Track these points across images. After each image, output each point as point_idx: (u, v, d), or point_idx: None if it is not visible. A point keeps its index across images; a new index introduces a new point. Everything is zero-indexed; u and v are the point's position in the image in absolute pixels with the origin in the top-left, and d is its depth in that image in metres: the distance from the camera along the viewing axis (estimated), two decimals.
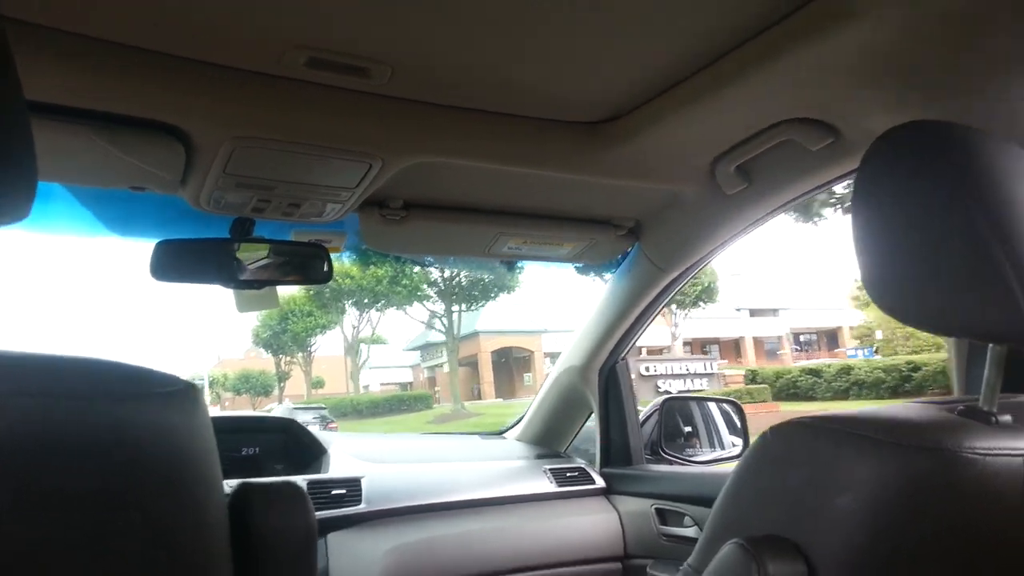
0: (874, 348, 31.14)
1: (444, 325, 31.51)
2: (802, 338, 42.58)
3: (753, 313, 41.74)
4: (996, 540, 0.73)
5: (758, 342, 41.07)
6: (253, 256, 1.59)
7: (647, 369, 25.55)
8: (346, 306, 34.99)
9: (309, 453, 1.93)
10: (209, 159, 1.29)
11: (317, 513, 1.66)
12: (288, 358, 41.08)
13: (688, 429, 2.38)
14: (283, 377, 42.32)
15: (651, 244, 1.90)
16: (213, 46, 1.11)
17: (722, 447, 2.33)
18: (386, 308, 34.28)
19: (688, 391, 21.40)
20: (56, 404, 0.58)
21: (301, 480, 1.71)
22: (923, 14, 1.03)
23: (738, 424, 2.31)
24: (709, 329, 38.66)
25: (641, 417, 2.22)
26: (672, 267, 1.90)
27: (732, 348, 40.95)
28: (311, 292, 32.76)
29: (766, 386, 24.14)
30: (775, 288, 41.69)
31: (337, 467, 1.86)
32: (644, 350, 35.60)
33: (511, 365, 39.42)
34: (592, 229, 1.87)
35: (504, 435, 2.47)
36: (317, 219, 1.58)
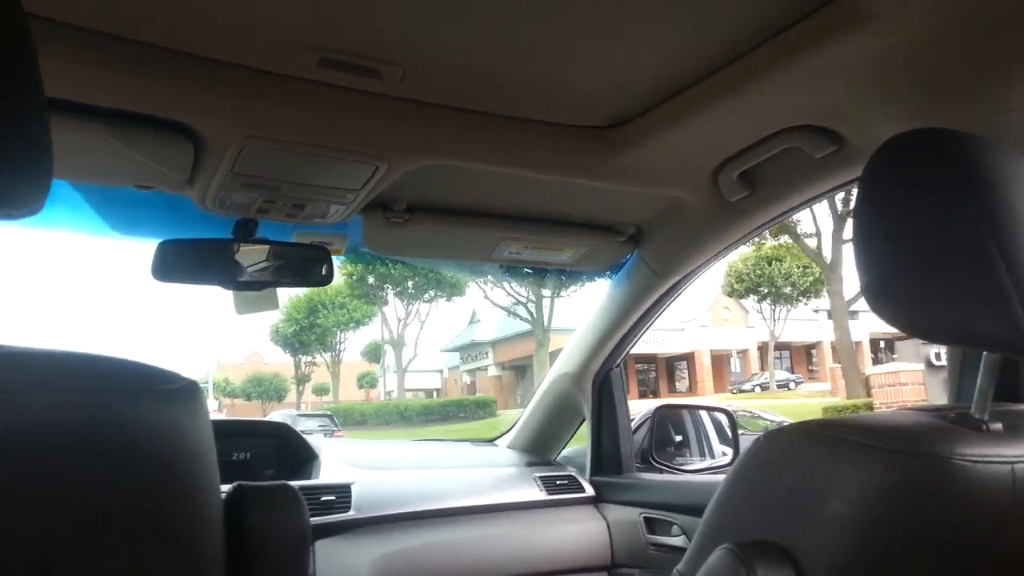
0: None
1: (530, 313, 28.52)
2: (881, 344, 37.84)
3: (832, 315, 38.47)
4: (985, 546, 0.74)
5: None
6: (254, 257, 1.60)
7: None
8: (389, 296, 32.50)
9: (300, 458, 1.93)
10: (217, 158, 1.30)
11: None
12: (309, 359, 38.25)
13: (679, 438, 2.39)
14: (303, 380, 39.50)
15: (650, 251, 1.91)
16: (226, 45, 1.12)
17: (712, 456, 2.35)
18: (440, 298, 31.77)
19: None
20: (69, 399, 0.59)
21: (292, 485, 1.71)
22: (930, 22, 1.05)
23: (729, 433, 2.33)
24: (788, 332, 34.32)
25: (633, 425, 2.23)
26: (670, 274, 1.91)
27: (803, 355, 38.00)
28: (354, 278, 30.63)
29: None
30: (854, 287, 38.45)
31: (328, 473, 1.86)
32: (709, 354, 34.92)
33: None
34: (593, 235, 1.88)
35: (495, 442, 2.48)
36: (321, 221, 1.59)
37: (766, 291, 30.28)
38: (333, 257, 1.67)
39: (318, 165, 1.37)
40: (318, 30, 1.09)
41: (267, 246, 1.61)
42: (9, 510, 0.55)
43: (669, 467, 2.20)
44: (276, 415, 22.65)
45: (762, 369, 34.78)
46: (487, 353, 36.33)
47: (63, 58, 1.04)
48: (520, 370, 35.63)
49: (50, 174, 0.63)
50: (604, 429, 2.17)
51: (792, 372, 35.64)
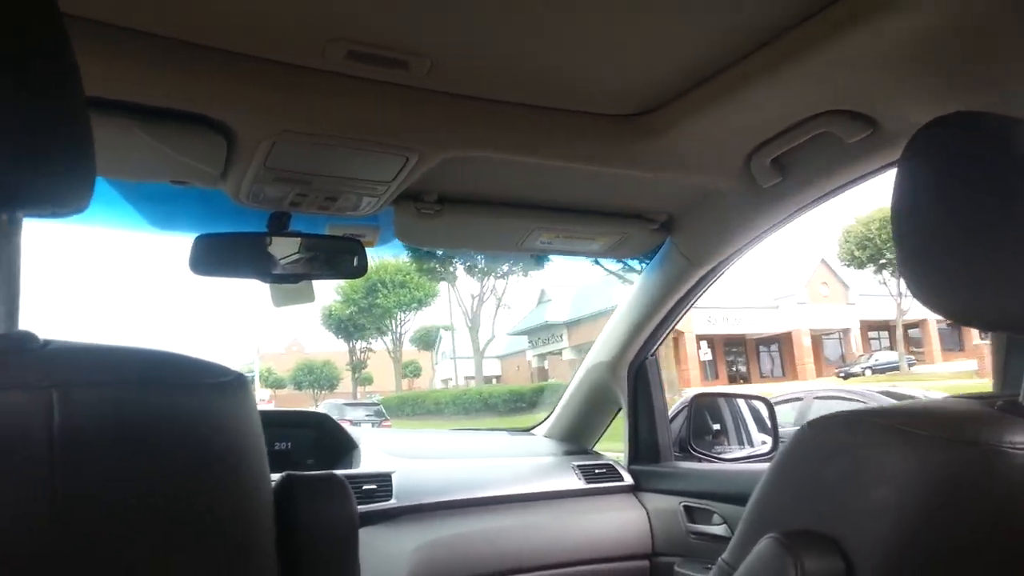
0: None
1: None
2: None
3: None
4: None
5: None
6: (288, 250, 1.62)
7: None
8: (458, 271, 29.96)
9: (340, 448, 1.95)
10: (250, 153, 1.31)
11: None
12: (365, 344, 36.06)
13: (717, 427, 2.37)
14: (359, 367, 37.04)
15: (683, 238, 1.90)
16: (253, 39, 1.12)
17: (751, 445, 2.32)
18: (514, 273, 28.94)
19: None
20: (122, 393, 0.60)
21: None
22: (963, 5, 1.02)
23: (768, 422, 2.30)
24: (876, 309, 30.99)
25: (670, 414, 2.22)
26: (704, 262, 1.90)
27: (905, 336, 31.60)
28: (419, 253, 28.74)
29: None
30: None
31: (368, 462, 1.87)
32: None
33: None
34: (625, 223, 1.88)
35: (533, 432, 2.48)
36: (353, 213, 1.60)
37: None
38: (366, 249, 1.68)
39: (349, 158, 1.37)
40: (344, 23, 1.09)
41: (300, 239, 1.62)
42: (67, 504, 0.56)
43: (708, 456, 2.18)
44: (324, 405, 22.58)
45: (866, 351, 31.82)
46: (561, 336, 32.74)
47: (95, 55, 1.05)
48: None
49: (94, 172, 0.64)
50: (641, 418, 2.16)
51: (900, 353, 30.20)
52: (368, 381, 37.94)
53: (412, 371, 39.95)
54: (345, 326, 35.13)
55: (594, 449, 2.34)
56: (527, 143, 1.45)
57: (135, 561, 0.60)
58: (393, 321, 35.02)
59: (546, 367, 36.11)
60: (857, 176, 1.51)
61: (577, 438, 2.33)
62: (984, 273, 0.74)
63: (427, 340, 38.00)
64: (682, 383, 23.37)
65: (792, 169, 1.55)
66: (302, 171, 1.40)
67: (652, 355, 2.16)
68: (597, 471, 2.11)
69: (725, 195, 1.71)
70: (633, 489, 2.11)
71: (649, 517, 2.04)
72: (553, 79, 1.30)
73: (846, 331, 32.29)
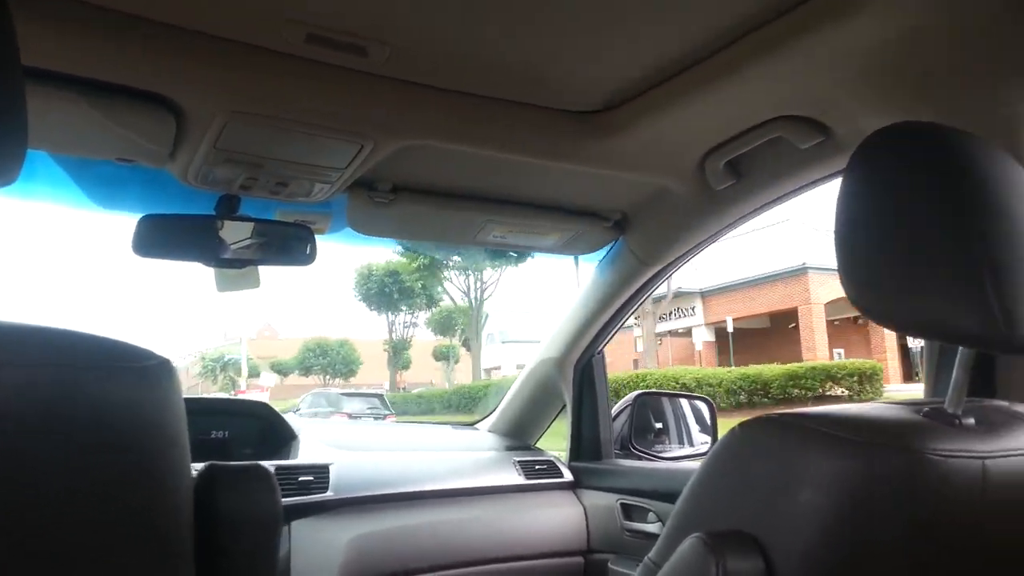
0: None
1: None
2: None
3: None
4: (953, 540, 0.75)
5: None
6: (236, 234, 1.59)
7: None
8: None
9: (279, 438, 1.92)
10: (200, 132, 1.29)
11: (284, 500, 1.67)
12: (410, 316, 29.03)
13: (659, 425, 2.40)
14: (401, 348, 29.71)
15: (636, 237, 1.92)
16: (211, 17, 1.10)
17: (692, 444, 2.36)
18: None
19: None
20: (34, 373, 0.59)
21: (268, 465, 1.70)
22: (917, 17, 1.05)
23: (708, 422, 2.35)
24: None
25: (613, 412, 2.25)
26: (655, 261, 1.92)
27: None
28: None
29: None
30: None
31: (307, 453, 1.85)
32: None
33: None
34: (579, 220, 1.89)
35: (476, 426, 2.48)
36: (304, 199, 1.58)
37: None
38: (317, 236, 1.66)
39: (303, 142, 1.36)
40: (304, 4, 1.07)
41: (250, 223, 1.59)
42: None
43: (648, 454, 2.22)
44: (312, 394, 20.45)
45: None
46: (693, 308, 23.96)
47: (45, 27, 1.02)
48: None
49: (25, 144, 0.62)
50: (584, 415, 2.18)
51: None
52: (406, 367, 31.42)
53: (444, 356, 33.54)
54: (389, 291, 27.78)
55: (536, 446, 2.35)
56: (485, 135, 1.45)
57: (44, 549, 0.58)
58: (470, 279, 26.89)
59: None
60: (810, 181, 1.53)
61: (520, 434, 2.34)
62: (923, 284, 0.75)
63: (447, 324, 30.97)
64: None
65: (745, 172, 1.58)
66: (253, 154, 1.38)
67: (599, 353, 2.18)
68: (537, 467, 2.12)
69: (679, 196, 1.72)
70: (572, 486, 2.13)
71: (586, 514, 2.06)
72: (511, 73, 1.30)
73: None
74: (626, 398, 2.29)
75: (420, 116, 1.37)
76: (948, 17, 1.07)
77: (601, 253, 2.03)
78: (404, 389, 30.39)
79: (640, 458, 2.19)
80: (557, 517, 2.04)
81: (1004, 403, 0.92)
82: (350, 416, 16.49)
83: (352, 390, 23.15)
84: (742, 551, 0.74)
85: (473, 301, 27.10)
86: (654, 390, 2.51)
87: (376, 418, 16.34)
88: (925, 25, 1.08)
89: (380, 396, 19.84)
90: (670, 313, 25.35)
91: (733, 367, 16.69)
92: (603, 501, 2.03)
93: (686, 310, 24.77)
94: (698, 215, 1.75)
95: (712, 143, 1.51)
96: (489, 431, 2.40)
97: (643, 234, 1.90)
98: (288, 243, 1.63)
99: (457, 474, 1.99)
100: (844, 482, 0.71)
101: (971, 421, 0.76)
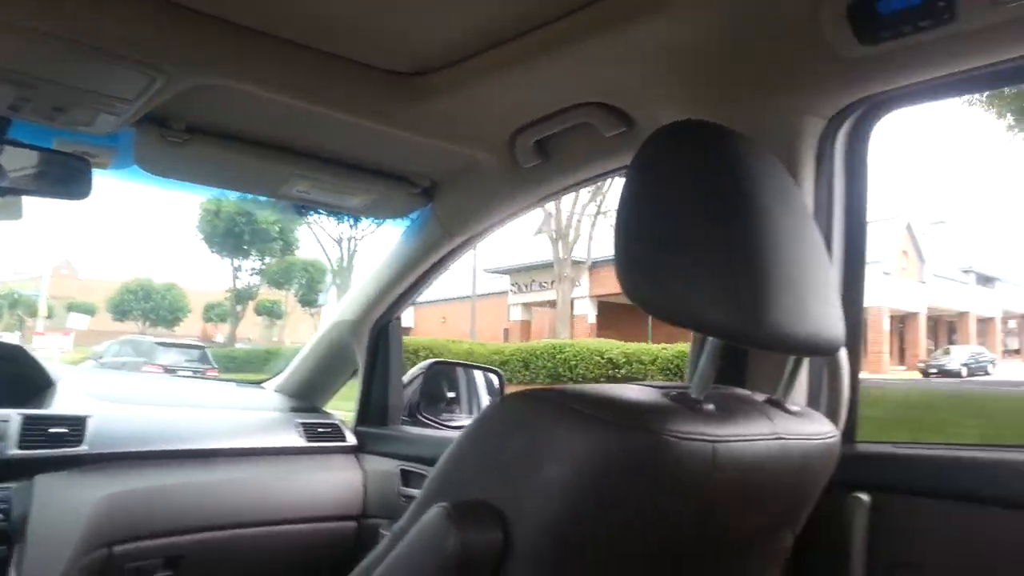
0: None
1: None
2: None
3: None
4: (686, 517, 0.81)
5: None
6: (2, 160, 1.44)
7: None
8: None
9: (32, 385, 1.75)
10: None
11: (29, 452, 1.53)
12: (260, 262, 24.79)
13: (452, 395, 2.44)
14: (245, 297, 25.79)
15: (443, 207, 1.92)
16: None
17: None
18: None
19: None
20: None
21: (16, 414, 1.56)
22: (717, 19, 1.13)
23: (499, 393, 2.42)
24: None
25: (405, 379, 2.25)
26: (460, 232, 1.93)
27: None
28: None
29: None
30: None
31: (63, 403, 1.71)
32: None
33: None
34: (386, 183, 1.86)
35: (263, 385, 2.41)
36: (86, 129, 1.44)
37: None
38: (98, 171, 1.53)
39: (85, 67, 1.24)
40: None
41: (20, 149, 1.44)
42: None
43: (435, 422, 2.25)
44: (124, 340, 18.40)
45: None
46: (580, 281, 22.77)
47: None
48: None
49: None
50: (375, 380, 2.17)
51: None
52: (223, 318, 27.23)
53: (219, 315, 30.47)
54: (239, 232, 24.47)
55: (324, 408, 2.32)
56: (291, 83, 1.39)
57: None
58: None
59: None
60: (614, 168, 1.60)
61: (308, 395, 2.29)
62: (686, 276, 0.79)
63: (287, 276, 27.87)
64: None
65: (553, 153, 1.62)
66: (25, 72, 1.24)
67: (396, 318, 2.17)
68: (320, 430, 2.08)
69: (488, 169, 1.74)
70: (355, 450, 2.11)
71: (366, 479, 2.06)
72: (325, 22, 1.26)
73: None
74: (419, 365, 2.30)
75: (222, 54, 1.29)
76: (739, 26, 1.15)
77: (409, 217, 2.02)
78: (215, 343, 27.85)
79: (428, 426, 2.22)
80: (334, 481, 2.02)
81: (747, 392, 1.00)
82: (165, 369, 14.83)
83: (172, 340, 20.95)
84: (483, 522, 0.75)
85: (345, 255, 25.25)
86: (447, 359, 2.54)
87: (195, 372, 14.99)
88: (722, 29, 1.15)
89: (201, 349, 18.13)
90: (531, 283, 25.85)
91: (663, 344, 15.06)
92: (384, 467, 2.03)
93: (573, 280, 22.69)
94: (506, 190, 1.78)
95: (522, 121, 1.54)
96: (276, 391, 2.32)
97: (451, 204, 1.91)
98: (60, 174, 1.49)
99: (232, 433, 1.92)
100: (585, 458, 0.74)
101: (711, 407, 0.82)
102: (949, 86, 1.20)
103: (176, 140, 1.55)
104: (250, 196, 1.97)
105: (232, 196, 2.07)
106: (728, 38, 1.18)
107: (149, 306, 28.64)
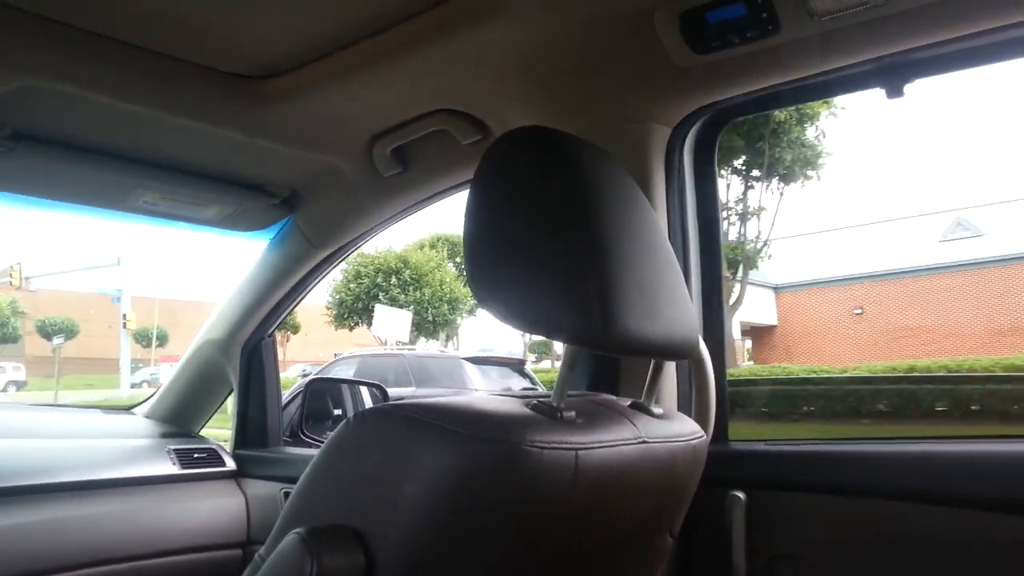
0: None
1: None
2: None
3: None
4: (549, 526, 0.78)
5: None
6: None
7: None
8: None
9: None
10: None
11: None
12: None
13: (338, 412, 2.36)
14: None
15: (305, 218, 1.85)
16: None
17: None
18: None
19: None
20: None
21: None
22: (556, 24, 1.11)
23: None
24: None
25: (286, 398, 2.16)
26: (325, 244, 1.87)
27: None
28: None
29: None
30: None
31: None
32: None
33: None
34: (243, 194, 1.77)
35: (133, 411, 2.25)
36: None
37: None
38: None
39: None
40: None
41: None
42: None
43: (319, 441, 2.15)
44: None
45: None
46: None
47: None
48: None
49: None
50: (252, 401, 2.06)
51: None
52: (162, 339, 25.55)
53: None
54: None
55: (200, 433, 2.18)
56: (127, 87, 1.30)
57: None
58: None
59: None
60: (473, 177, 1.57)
61: (181, 420, 2.15)
62: (538, 284, 0.78)
63: None
64: None
65: (413, 162, 1.58)
66: None
67: (269, 336, 2.07)
68: (196, 456, 1.96)
69: (348, 179, 1.69)
70: (235, 475, 2.00)
71: (248, 504, 1.95)
72: (163, 22, 1.19)
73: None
74: (297, 384, 2.21)
75: (46, 54, 1.19)
76: (579, 31, 1.15)
77: (272, 232, 1.92)
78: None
79: (312, 445, 2.13)
80: (215, 508, 1.90)
81: (611, 398, 0.99)
82: None
83: None
84: (341, 546, 0.73)
85: None
86: (327, 376, 2.45)
87: (19, 387, 13.28)
88: (559, 36, 1.15)
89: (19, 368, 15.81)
90: None
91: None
92: (266, 490, 1.93)
93: None
94: (368, 200, 1.74)
95: (378, 128, 1.50)
96: (146, 416, 2.18)
97: (313, 215, 1.84)
98: None
99: (96, 464, 1.77)
100: (443, 473, 0.72)
101: (572, 415, 0.80)
102: (787, 94, 1.26)
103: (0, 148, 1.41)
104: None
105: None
106: (569, 43, 1.18)
107: None
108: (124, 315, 21.49)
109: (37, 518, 1.59)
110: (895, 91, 1.15)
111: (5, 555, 1.52)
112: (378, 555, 0.72)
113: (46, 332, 26.79)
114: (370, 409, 0.82)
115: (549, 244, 0.78)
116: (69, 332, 27.33)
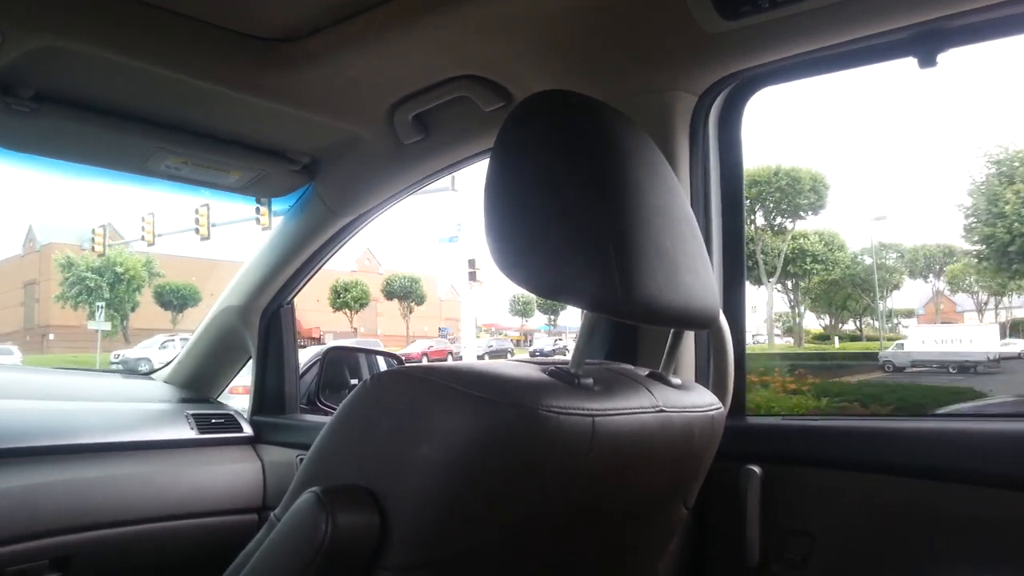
0: None
1: None
2: None
3: None
4: (563, 491, 0.79)
5: None
6: None
7: None
8: None
9: None
10: None
11: None
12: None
13: (354, 381, 2.36)
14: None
15: (326, 185, 1.85)
16: None
17: None
18: None
19: None
20: None
21: None
22: None
23: None
24: None
25: (304, 366, 2.16)
26: (345, 212, 1.86)
27: None
28: None
29: None
30: None
31: None
32: None
33: None
34: (264, 160, 1.76)
35: (152, 375, 2.28)
36: None
37: None
38: None
39: None
40: None
41: None
42: None
43: (333, 409, 2.15)
44: None
45: None
46: None
47: None
48: None
49: None
50: (270, 368, 2.08)
51: None
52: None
53: None
54: None
55: (219, 399, 2.20)
56: (149, 48, 1.29)
57: None
58: None
59: None
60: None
61: (200, 386, 2.18)
62: (558, 250, 0.77)
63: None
64: None
65: (434, 129, 1.57)
66: None
67: (288, 303, 2.08)
68: (214, 421, 1.98)
69: (368, 146, 1.68)
70: (252, 441, 2.02)
71: (264, 470, 1.97)
72: None
73: None
74: (316, 352, 2.21)
75: (70, 15, 1.18)
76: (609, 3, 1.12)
77: (293, 198, 1.92)
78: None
79: (328, 413, 2.13)
80: (231, 473, 1.92)
81: (629, 367, 0.98)
82: None
83: None
84: (356, 505, 0.73)
85: None
86: (345, 344, 2.46)
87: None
88: (584, 1, 1.12)
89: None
90: None
91: None
92: (282, 456, 1.95)
93: None
94: (387, 168, 1.72)
95: (399, 94, 1.48)
96: (165, 382, 2.20)
97: (333, 182, 1.84)
98: None
99: (117, 427, 1.79)
100: (459, 436, 0.72)
101: (589, 381, 0.80)
102: (817, 63, 1.23)
103: (23, 109, 1.41)
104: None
105: None
106: (594, 8, 1.16)
107: None
108: None
109: (59, 478, 1.61)
110: (928, 60, 1.12)
111: (28, 513, 1.55)
112: (392, 515, 0.72)
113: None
114: (386, 371, 0.82)
115: (570, 209, 0.77)
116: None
